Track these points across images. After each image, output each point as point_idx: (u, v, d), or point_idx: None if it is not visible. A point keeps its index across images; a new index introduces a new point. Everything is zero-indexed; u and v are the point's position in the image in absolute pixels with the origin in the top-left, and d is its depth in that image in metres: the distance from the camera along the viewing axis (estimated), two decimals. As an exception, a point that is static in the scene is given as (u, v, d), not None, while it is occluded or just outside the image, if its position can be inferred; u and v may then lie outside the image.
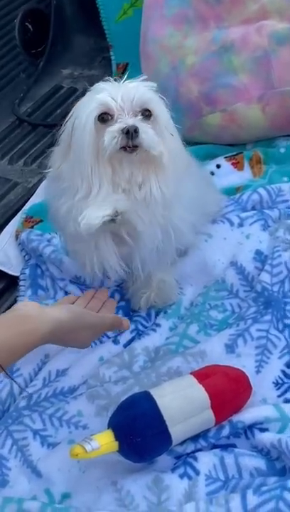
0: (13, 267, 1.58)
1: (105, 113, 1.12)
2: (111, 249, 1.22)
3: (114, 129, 1.10)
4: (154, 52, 1.80)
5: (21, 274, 1.53)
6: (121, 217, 1.14)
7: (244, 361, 1.22)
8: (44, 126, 2.15)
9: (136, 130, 1.09)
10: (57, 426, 1.18)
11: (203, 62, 1.72)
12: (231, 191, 1.63)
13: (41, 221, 1.65)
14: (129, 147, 1.11)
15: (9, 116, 2.21)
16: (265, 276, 1.35)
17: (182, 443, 1.10)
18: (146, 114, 1.14)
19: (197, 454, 1.08)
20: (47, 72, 2.39)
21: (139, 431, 1.04)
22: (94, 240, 1.20)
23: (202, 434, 1.10)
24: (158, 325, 1.35)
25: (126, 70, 2.24)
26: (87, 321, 1.16)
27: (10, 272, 1.57)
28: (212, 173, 1.69)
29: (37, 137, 2.11)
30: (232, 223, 1.47)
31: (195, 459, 1.07)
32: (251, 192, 1.56)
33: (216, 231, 1.46)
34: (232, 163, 1.73)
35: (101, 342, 1.34)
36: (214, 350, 1.24)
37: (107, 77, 1.18)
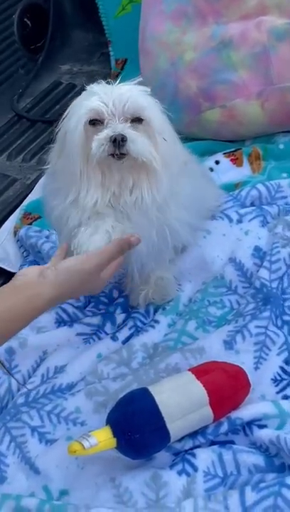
0: (12, 263, 1.58)
1: (96, 118, 1.12)
2: None
3: (101, 136, 1.10)
4: (153, 48, 1.79)
5: (20, 270, 1.52)
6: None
7: (243, 358, 1.22)
8: (43, 122, 2.15)
9: (123, 139, 1.09)
10: (55, 423, 1.18)
11: (202, 58, 1.72)
12: (230, 187, 1.63)
13: (40, 217, 1.65)
14: (117, 155, 1.11)
15: (8, 112, 2.21)
16: (264, 273, 1.34)
17: (180, 439, 1.09)
18: (138, 119, 1.13)
19: (195, 450, 1.08)
20: (46, 68, 2.39)
21: (137, 427, 1.04)
22: None
23: (201, 431, 1.10)
24: (156, 321, 1.35)
25: (124, 65, 2.24)
26: (87, 269, 1.07)
27: (8, 269, 1.57)
28: (211, 170, 1.69)
29: (36, 133, 2.11)
30: (230, 219, 1.47)
31: (194, 455, 1.07)
32: (250, 188, 1.55)
33: (215, 227, 1.46)
34: (231, 160, 1.73)
35: (99, 339, 1.34)
36: (212, 347, 1.24)
37: (100, 80, 1.18)
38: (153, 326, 1.34)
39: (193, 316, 1.34)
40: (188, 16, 1.74)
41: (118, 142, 1.09)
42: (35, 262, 1.51)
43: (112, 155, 1.11)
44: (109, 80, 1.17)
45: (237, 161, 1.73)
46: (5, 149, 2.04)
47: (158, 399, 1.06)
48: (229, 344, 1.24)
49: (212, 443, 1.11)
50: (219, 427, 1.10)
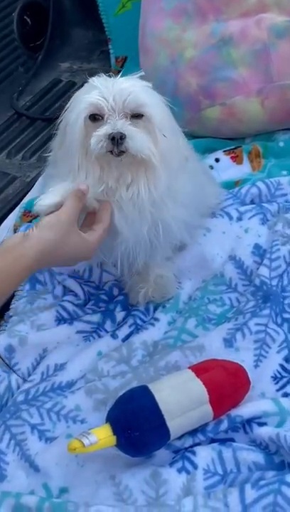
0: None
1: (96, 113, 1.12)
2: None
3: (100, 133, 1.09)
4: (153, 45, 1.79)
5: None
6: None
7: (243, 355, 1.22)
8: (42, 120, 2.15)
9: (121, 137, 1.08)
10: (55, 420, 1.18)
11: (202, 56, 1.71)
12: (230, 185, 1.63)
13: (39, 216, 1.65)
14: (115, 152, 1.10)
15: (8, 110, 2.20)
16: (264, 271, 1.34)
17: (180, 437, 1.09)
18: (138, 115, 1.12)
19: (195, 448, 1.08)
20: (45, 66, 2.39)
21: (137, 425, 1.04)
22: None
23: (201, 429, 1.10)
24: (156, 319, 1.35)
25: (124, 63, 2.24)
26: (63, 220, 1.09)
27: (8, 266, 1.57)
28: (211, 167, 1.69)
29: (35, 131, 2.10)
30: (230, 217, 1.47)
31: (194, 453, 1.07)
32: (250, 186, 1.55)
33: (215, 225, 1.46)
34: (231, 157, 1.73)
35: (99, 336, 1.34)
36: (212, 345, 1.24)
37: (101, 73, 1.17)
38: (152, 324, 1.34)
39: (193, 313, 1.34)
40: (188, 13, 1.73)
41: (116, 140, 1.08)
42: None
43: (111, 152, 1.10)
44: (111, 73, 1.17)
45: (237, 159, 1.73)
46: (4, 147, 2.04)
47: (157, 396, 1.06)
48: (229, 342, 1.24)
49: (212, 441, 1.11)
50: (219, 425, 1.10)
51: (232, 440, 1.10)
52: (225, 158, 1.73)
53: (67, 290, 1.44)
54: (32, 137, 2.07)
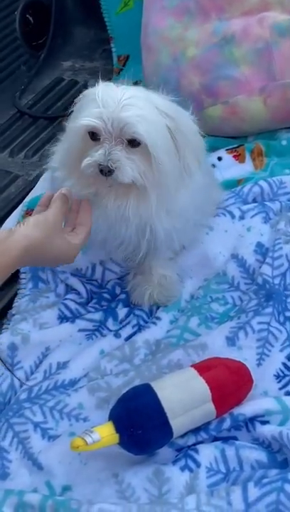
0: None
1: (94, 132, 1.12)
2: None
3: (90, 161, 1.10)
4: (155, 44, 1.79)
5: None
6: None
7: (245, 354, 1.22)
8: (45, 118, 2.15)
9: (110, 171, 1.10)
10: (57, 418, 1.18)
11: (204, 54, 1.71)
12: (232, 184, 1.62)
13: (42, 214, 1.65)
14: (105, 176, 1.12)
15: (10, 109, 2.20)
16: (266, 269, 1.34)
17: (183, 435, 1.10)
18: (135, 142, 1.11)
19: (198, 446, 1.09)
20: (48, 65, 2.39)
21: (140, 423, 1.04)
22: None
23: (203, 427, 1.10)
24: (158, 318, 1.35)
25: (127, 62, 2.24)
26: (51, 219, 1.10)
27: (10, 265, 1.57)
28: (214, 166, 1.68)
29: (38, 130, 2.10)
30: (233, 216, 1.47)
31: (196, 451, 1.07)
32: (252, 184, 1.55)
33: (217, 224, 1.46)
34: (234, 156, 1.73)
35: (102, 335, 1.34)
36: (215, 343, 1.24)
37: (107, 82, 1.16)
38: (155, 323, 1.34)
39: (196, 312, 1.34)
40: (190, 11, 1.73)
41: (105, 173, 1.10)
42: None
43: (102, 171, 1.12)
44: (115, 75, 1.17)
45: (239, 157, 1.73)
46: (7, 146, 2.04)
47: (160, 395, 1.07)
48: (231, 340, 1.24)
49: (215, 439, 1.11)
50: (222, 423, 1.10)
51: (235, 438, 1.11)
52: (228, 157, 1.72)
53: (69, 288, 1.44)
54: (34, 136, 2.07)
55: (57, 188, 1.20)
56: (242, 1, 1.68)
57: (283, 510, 0.96)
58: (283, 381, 1.19)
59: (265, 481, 0.99)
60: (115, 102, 1.09)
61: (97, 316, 1.37)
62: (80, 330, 1.34)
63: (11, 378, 1.27)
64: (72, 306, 1.39)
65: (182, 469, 1.05)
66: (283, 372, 1.20)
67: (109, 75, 2.23)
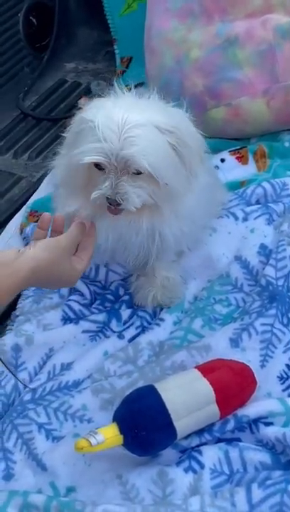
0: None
1: (98, 164, 1.12)
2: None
3: (97, 195, 1.11)
4: (158, 45, 1.79)
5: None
6: None
7: (249, 355, 1.22)
8: (48, 120, 2.15)
9: (118, 203, 1.11)
10: (62, 420, 1.18)
11: (208, 56, 1.71)
12: (235, 185, 1.63)
13: (46, 215, 1.65)
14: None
15: (13, 111, 2.20)
16: (269, 271, 1.34)
17: (187, 437, 1.10)
18: (140, 172, 1.12)
19: (202, 447, 1.09)
20: (51, 66, 2.39)
21: (144, 424, 1.04)
22: None
23: (207, 428, 1.10)
24: (161, 319, 1.35)
25: (130, 63, 2.24)
26: (62, 246, 1.11)
27: (14, 266, 1.57)
28: (217, 167, 1.68)
29: (41, 131, 2.11)
30: (236, 217, 1.47)
31: (200, 452, 1.08)
32: (255, 186, 1.55)
33: (220, 225, 1.46)
34: (237, 158, 1.73)
35: (105, 336, 1.34)
36: (218, 345, 1.24)
37: (108, 105, 1.14)
38: (158, 324, 1.34)
39: (199, 313, 1.34)
40: (193, 13, 1.73)
41: (113, 205, 1.11)
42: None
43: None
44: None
45: (242, 159, 1.73)
46: (11, 147, 2.05)
47: (164, 396, 1.07)
48: (235, 342, 1.25)
49: (219, 440, 1.11)
50: (226, 425, 1.10)
51: (239, 440, 1.11)
52: (231, 159, 1.73)
53: (73, 290, 1.44)
54: (38, 137, 2.08)
55: (60, 206, 1.23)
56: (246, 3, 1.68)
57: (288, 512, 0.96)
58: (287, 382, 1.19)
59: (269, 482, 0.99)
60: (116, 135, 1.08)
61: (101, 317, 1.37)
62: (84, 331, 1.35)
63: (15, 379, 1.27)
64: (76, 307, 1.39)
65: (186, 471, 1.06)
66: (286, 373, 1.20)
67: (111, 77, 2.23)
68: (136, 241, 1.24)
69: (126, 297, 1.42)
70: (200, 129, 1.75)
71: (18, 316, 1.40)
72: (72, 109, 2.12)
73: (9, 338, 1.32)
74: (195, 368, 1.15)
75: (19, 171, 1.94)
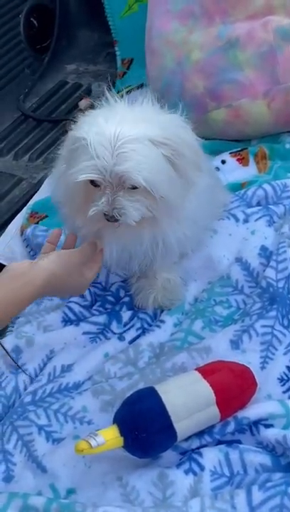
0: (18, 262, 1.58)
1: (93, 181, 1.11)
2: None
3: (96, 210, 1.11)
4: (159, 47, 1.79)
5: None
6: None
7: (249, 357, 1.22)
8: (49, 121, 2.15)
9: (115, 219, 1.11)
10: (62, 421, 1.18)
11: (208, 58, 1.72)
12: (236, 187, 1.63)
13: (46, 217, 1.66)
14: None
15: (14, 112, 2.21)
16: (270, 272, 1.34)
17: (187, 439, 1.10)
18: (135, 187, 1.11)
19: (202, 449, 1.09)
20: (52, 68, 2.39)
21: (144, 426, 1.04)
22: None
23: (207, 430, 1.10)
24: (162, 321, 1.35)
25: (130, 65, 2.24)
26: (73, 261, 1.16)
27: (15, 268, 1.57)
28: (218, 169, 1.69)
29: (42, 133, 2.11)
30: (237, 219, 1.47)
31: (200, 454, 1.07)
32: (256, 188, 1.55)
33: (221, 227, 1.46)
34: (237, 159, 1.73)
35: (106, 338, 1.34)
36: (219, 346, 1.24)
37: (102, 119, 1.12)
38: (159, 326, 1.34)
39: (200, 315, 1.34)
40: (194, 15, 1.74)
41: (111, 220, 1.12)
42: (42, 261, 1.51)
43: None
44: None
45: (243, 161, 1.73)
46: (11, 149, 2.05)
47: (164, 398, 1.07)
48: (235, 344, 1.24)
49: (219, 442, 1.11)
50: (226, 427, 1.10)
51: (239, 442, 1.11)
52: (231, 160, 1.73)
53: (73, 291, 1.44)
54: (38, 139, 2.08)
55: (70, 226, 1.26)
56: (247, 5, 1.69)
57: (288, 514, 0.96)
58: (287, 384, 1.19)
59: (269, 484, 0.99)
60: (109, 152, 1.07)
61: (101, 319, 1.37)
62: (84, 333, 1.34)
63: (16, 381, 1.27)
64: (76, 309, 1.39)
65: (186, 472, 1.06)
66: (287, 375, 1.20)
67: (112, 79, 2.24)
68: (141, 250, 1.25)
69: (126, 299, 1.42)
70: (201, 131, 1.75)
71: (18, 317, 1.40)
72: (73, 110, 2.12)
73: (9, 340, 1.32)
74: (196, 369, 1.15)
75: (20, 173, 1.94)
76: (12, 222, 1.70)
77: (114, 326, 1.36)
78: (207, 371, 1.13)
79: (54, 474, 1.10)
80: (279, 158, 1.73)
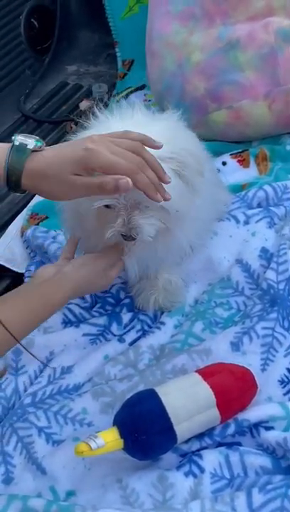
0: (19, 263, 1.58)
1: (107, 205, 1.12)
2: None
3: (113, 232, 1.12)
4: (160, 49, 1.79)
5: (26, 271, 1.53)
6: None
7: (250, 359, 1.22)
8: (49, 123, 2.15)
9: (133, 238, 1.13)
10: (62, 423, 1.18)
11: (209, 59, 1.72)
12: (237, 188, 1.63)
13: (46, 218, 1.65)
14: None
15: (15, 113, 2.21)
16: (271, 274, 1.34)
17: (187, 441, 1.09)
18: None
19: (202, 452, 1.08)
20: (52, 69, 2.39)
21: (144, 428, 1.04)
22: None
23: (208, 432, 1.10)
24: (162, 323, 1.35)
25: (131, 66, 2.24)
26: (98, 268, 1.20)
27: (15, 269, 1.57)
28: (218, 170, 1.68)
29: (42, 134, 2.10)
30: (237, 221, 1.47)
31: (201, 457, 1.07)
32: (257, 189, 1.55)
33: (222, 228, 1.46)
34: (238, 161, 1.73)
35: (106, 339, 1.34)
36: (219, 348, 1.24)
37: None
38: (159, 328, 1.34)
39: (200, 317, 1.34)
40: (195, 16, 1.74)
41: (128, 240, 1.14)
42: (42, 263, 1.51)
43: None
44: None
45: (243, 162, 1.73)
46: (11, 149, 2.04)
47: (165, 400, 1.06)
48: (236, 345, 1.24)
49: (219, 444, 1.11)
50: (227, 429, 1.10)
51: (239, 444, 1.10)
52: (232, 162, 1.73)
53: (73, 293, 1.44)
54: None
55: (83, 247, 1.30)
56: (247, 6, 1.68)
57: (288, 517, 0.96)
58: (288, 387, 1.18)
59: (269, 487, 0.99)
60: None
61: (101, 320, 1.37)
62: (84, 334, 1.34)
63: (15, 383, 1.27)
64: (77, 310, 1.39)
65: (186, 475, 1.05)
66: (287, 377, 1.19)
67: (113, 80, 2.24)
68: (156, 257, 1.27)
69: (126, 300, 1.41)
70: (202, 132, 1.75)
71: (18, 318, 1.40)
72: (74, 111, 2.12)
73: (9, 341, 1.32)
74: (196, 371, 1.15)
75: (20, 174, 1.94)
76: (12, 223, 1.70)
77: (114, 327, 1.36)
78: (207, 373, 1.13)
79: (54, 476, 1.10)
80: (280, 160, 1.73)
